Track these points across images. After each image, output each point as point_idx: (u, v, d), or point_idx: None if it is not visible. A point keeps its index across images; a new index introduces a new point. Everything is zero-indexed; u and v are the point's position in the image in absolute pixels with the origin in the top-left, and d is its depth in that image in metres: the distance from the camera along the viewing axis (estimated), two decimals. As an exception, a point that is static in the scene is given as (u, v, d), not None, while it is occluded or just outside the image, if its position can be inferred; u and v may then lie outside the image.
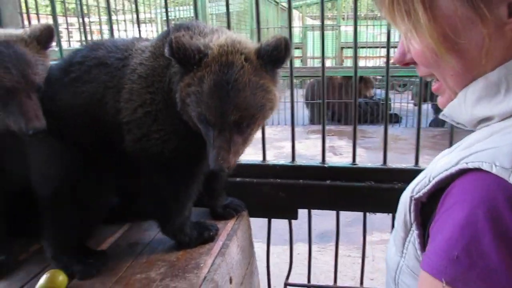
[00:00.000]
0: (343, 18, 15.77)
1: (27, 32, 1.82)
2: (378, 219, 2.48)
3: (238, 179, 2.47)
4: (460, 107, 0.94)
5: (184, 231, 1.98)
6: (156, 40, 1.84)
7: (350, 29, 12.98)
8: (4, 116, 1.69)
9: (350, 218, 4.49)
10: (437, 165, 0.91)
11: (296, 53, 15.44)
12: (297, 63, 15.27)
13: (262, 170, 2.47)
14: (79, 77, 1.83)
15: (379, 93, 10.36)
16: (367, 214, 2.50)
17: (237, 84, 1.50)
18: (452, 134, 2.30)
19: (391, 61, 2.37)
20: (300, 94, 10.32)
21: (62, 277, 1.68)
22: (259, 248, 2.52)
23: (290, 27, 2.50)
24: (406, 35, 0.93)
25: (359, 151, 2.65)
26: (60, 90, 1.84)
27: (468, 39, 0.85)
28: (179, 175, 1.84)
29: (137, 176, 1.90)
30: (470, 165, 0.79)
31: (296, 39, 15.28)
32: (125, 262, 1.89)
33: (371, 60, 14.57)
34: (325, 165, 2.45)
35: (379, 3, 0.93)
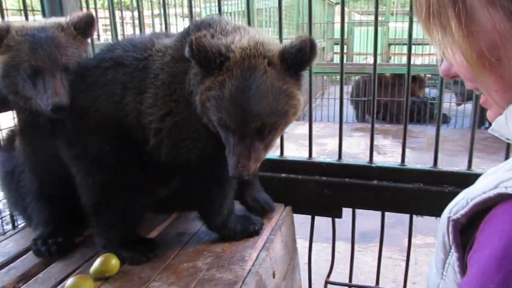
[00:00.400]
0: (392, 14, 15.32)
1: (67, 19, 1.92)
2: (422, 221, 2.41)
3: (283, 175, 2.48)
4: (506, 123, 0.89)
5: (228, 227, 2.01)
6: (176, 40, 1.78)
7: (399, 25, 12.57)
8: (34, 96, 1.78)
9: (393, 219, 4.39)
10: (477, 186, 0.86)
11: (339, 49, 15.17)
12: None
13: (308, 167, 2.47)
14: (95, 81, 1.82)
15: (427, 92, 10.01)
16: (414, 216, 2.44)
17: (259, 90, 1.45)
18: (509, 146, 2.18)
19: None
20: (344, 91, 10.17)
21: (115, 261, 1.77)
22: (299, 244, 2.53)
23: (342, 23, 2.49)
24: (442, 51, 0.88)
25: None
26: (77, 96, 1.82)
27: (508, 56, 0.77)
28: (209, 178, 1.84)
29: (172, 176, 1.96)
30: (510, 190, 0.74)
31: (336, 33, 15.03)
32: (173, 251, 1.96)
33: (419, 58, 14.09)
34: (373, 165, 2.41)
35: (417, 13, 0.88)
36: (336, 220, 2.52)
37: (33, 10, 2.53)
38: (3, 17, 2.31)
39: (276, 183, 2.48)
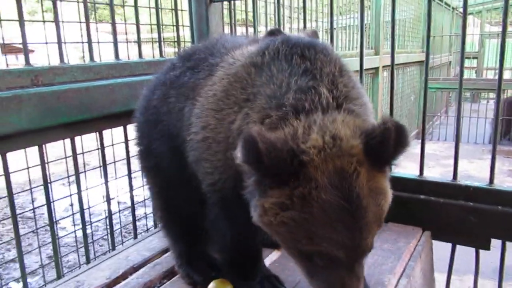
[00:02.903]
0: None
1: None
2: None
3: (422, 196, 2.29)
4: None
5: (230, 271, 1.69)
6: (249, 59, 1.42)
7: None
8: None
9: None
10: None
11: (470, 63, 13.97)
12: (471, 74, 13.82)
13: (452, 190, 2.24)
14: (172, 81, 1.66)
15: None
16: None
17: (361, 200, 1.12)
18: None
19: None
20: (473, 109, 9.29)
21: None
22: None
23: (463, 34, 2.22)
24: None
25: None
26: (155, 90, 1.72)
27: None
28: (215, 209, 1.52)
29: None
30: None
31: (471, 47, 13.82)
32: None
33: None
34: (533, 193, 2.10)
35: None
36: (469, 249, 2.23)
37: (183, 25, 2.75)
38: (159, 32, 2.54)
39: (413, 205, 2.30)
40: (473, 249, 2.32)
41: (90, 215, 2.45)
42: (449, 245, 2.33)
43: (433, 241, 2.27)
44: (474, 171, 6.88)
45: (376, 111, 6.71)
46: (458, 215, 2.20)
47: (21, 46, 1.91)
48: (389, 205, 1.25)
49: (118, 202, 2.55)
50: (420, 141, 2.44)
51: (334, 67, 1.34)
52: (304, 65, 1.31)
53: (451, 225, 2.23)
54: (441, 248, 2.41)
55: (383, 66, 6.60)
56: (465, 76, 11.06)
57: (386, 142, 1.13)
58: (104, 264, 1.98)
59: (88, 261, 2.19)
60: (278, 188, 1.13)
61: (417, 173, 2.37)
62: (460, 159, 2.29)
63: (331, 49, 1.43)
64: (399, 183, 2.35)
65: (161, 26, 2.55)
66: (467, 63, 12.94)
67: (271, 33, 1.62)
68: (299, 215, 1.12)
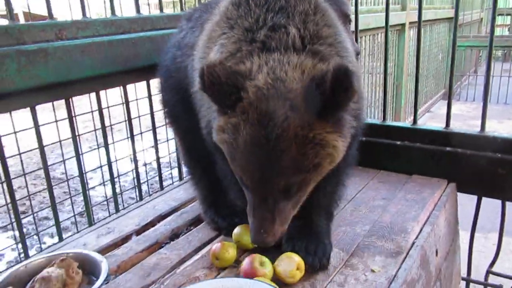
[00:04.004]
0: None
1: None
2: None
3: (448, 148, 2.25)
4: None
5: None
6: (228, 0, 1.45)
7: None
8: None
9: None
10: None
11: (503, 20, 13.30)
12: (504, 32, 13.19)
13: (479, 141, 2.19)
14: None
15: None
16: None
17: (279, 142, 1.15)
18: None
19: None
20: (504, 69, 8.91)
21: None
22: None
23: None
24: None
25: None
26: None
27: None
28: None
29: None
30: None
31: (505, 3, 13.13)
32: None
33: None
34: None
35: None
36: (494, 209, 2.19)
37: None
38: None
39: (439, 157, 2.27)
40: (498, 208, 2.30)
41: (118, 171, 2.51)
42: (474, 204, 2.31)
43: (458, 199, 2.25)
44: (503, 131, 6.70)
45: (401, 70, 6.53)
46: (485, 167, 2.17)
47: (43, 15, 1.93)
48: (333, 158, 1.24)
49: (145, 164, 2.60)
50: (446, 101, 2.38)
51: (309, 5, 1.34)
52: (280, 2, 1.34)
53: (477, 177, 2.19)
54: (466, 206, 2.39)
55: (410, 23, 6.35)
56: (497, 33, 10.61)
57: (325, 88, 1.11)
58: (132, 213, 2.05)
59: (117, 210, 2.27)
60: (221, 114, 1.25)
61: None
62: (490, 119, 2.23)
63: None
64: (425, 135, 2.32)
65: None
66: (499, 20, 12.32)
67: None
68: (229, 139, 1.23)
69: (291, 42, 1.27)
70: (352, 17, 2.77)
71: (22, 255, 1.94)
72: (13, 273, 1.38)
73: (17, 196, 1.86)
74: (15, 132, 1.89)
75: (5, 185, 1.82)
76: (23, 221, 4.10)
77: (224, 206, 1.85)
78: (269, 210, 1.25)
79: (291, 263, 1.43)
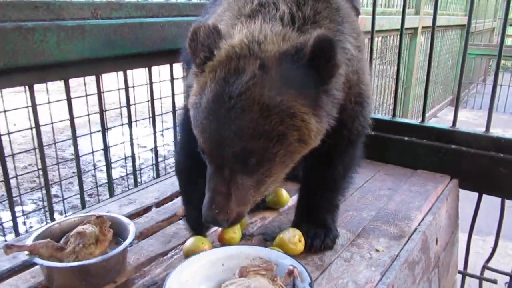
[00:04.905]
0: None
1: None
2: None
3: (453, 146, 2.36)
4: None
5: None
6: None
7: None
8: None
9: None
10: None
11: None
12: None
13: (483, 141, 2.30)
14: None
15: None
16: None
17: (241, 100, 1.08)
18: None
19: None
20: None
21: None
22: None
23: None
24: None
25: None
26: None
27: None
28: None
29: None
30: None
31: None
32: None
33: None
34: None
35: None
36: (491, 211, 2.30)
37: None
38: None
39: (443, 154, 2.38)
40: (497, 212, 2.40)
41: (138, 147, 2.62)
42: (473, 207, 2.42)
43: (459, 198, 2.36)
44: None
45: (411, 73, 6.62)
46: (488, 166, 2.28)
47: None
48: (301, 134, 1.15)
49: (163, 144, 2.70)
50: (453, 108, 2.48)
51: None
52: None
53: (480, 175, 2.30)
54: (465, 209, 2.50)
55: (423, 27, 6.44)
56: (508, 43, 10.63)
57: (305, 51, 1.07)
58: (152, 187, 2.17)
59: (136, 185, 2.39)
60: (195, 77, 1.22)
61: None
62: (495, 127, 2.34)
63: None
64: (432, 133, 2.43)
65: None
66: (511, 30, 12.34)
67: None
68: (195, 100, 1.18)
69: (279, 16, 1.23)
70: (368, 17, 2.89)
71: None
72: (48, 229, 1.50)
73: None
74: (49, 102, 2.00)
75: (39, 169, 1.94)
76: (33, 196, 4.21)
77: None
78: (224, 183, 1.14)
79: (295, 233, 1.55)
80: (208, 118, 1.12)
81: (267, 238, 1.69)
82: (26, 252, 1.35)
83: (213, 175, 1.16)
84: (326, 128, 1.25)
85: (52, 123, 2.05)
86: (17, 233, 1.93)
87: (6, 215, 4.07)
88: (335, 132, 1.33)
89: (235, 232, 1.59)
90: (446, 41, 8.69)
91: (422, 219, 1.89)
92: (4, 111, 1.82)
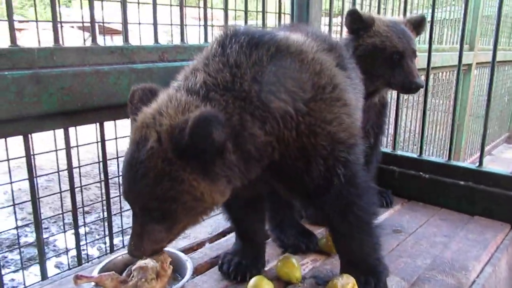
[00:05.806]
0: None
1: (407, 18, 2.40)
2: None
3: (482, 186, 2.31)
4: None
5: None
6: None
7: None
8: (389, 76, 2.19)
9: None
10: None
11: None
12: None
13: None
14: None
15: None
16: None
17: (142, 167, 1.25)
18: None
19: None
20: None
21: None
22: None
23: None
24: None
25: None
26: None
27: None
28: None
29: None
30: None
31: None
32: (390, 244, 2.02)
33: None
34: None
35: None
36: None
37: (284, 13, 2.91)
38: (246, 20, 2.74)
39: (503, 201, 2.29)
40: None
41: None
42: None
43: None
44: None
45: (464, 109, 6.42)
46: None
47: (116, 27, 2.18)
48: (195, 197, 1.27)
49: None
50: (510, 145, 2.40)
51: (246, 58, 1.35)
52: (217, 51, 1.40)
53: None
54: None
55: (477, 63, 6.28)
56: None
57: (184, 133, 1.18)
58: (206, 222, 2.24)
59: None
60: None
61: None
62: None
63: (270, 44, 1.38)
64: (490, 178, 2.35)
65: (265, 13, 2.73)
66: None
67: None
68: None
69: (191, 85, 1.34)
70: (423, 55, 2.89)
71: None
72: (112, 261, 1.59)
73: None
74: (116, 138, 2.15)
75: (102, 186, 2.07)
76: (87, 220, 4.40)
77: (290, 225, 2.00)
78: (138, 226, 1.34)
79: (348, 281, 1.53)
80: (123, 175, 1.32)
81: (319, 282, 1.70)
82: (93, 283, 1.44)
83: (133, 218, 1.36)
84: (240, 183, 1.36)
85: (117, 157, 2.18)
86: (79, 260, 2.05)
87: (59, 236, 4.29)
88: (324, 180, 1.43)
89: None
90: (501, 76, 8.39)
91: (481, 271, 1.82)
92: (77, 146, 1.97)
